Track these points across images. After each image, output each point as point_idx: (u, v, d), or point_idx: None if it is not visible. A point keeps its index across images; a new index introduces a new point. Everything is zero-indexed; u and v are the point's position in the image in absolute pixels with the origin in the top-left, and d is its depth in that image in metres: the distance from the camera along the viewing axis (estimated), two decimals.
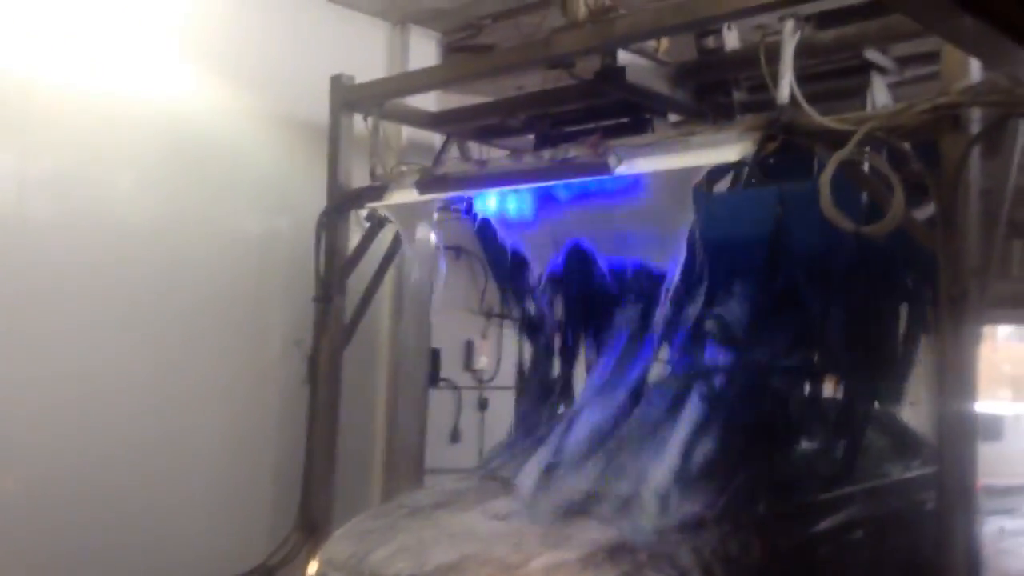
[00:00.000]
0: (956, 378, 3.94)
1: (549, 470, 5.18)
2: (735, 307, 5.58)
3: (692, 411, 5.13)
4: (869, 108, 4.94)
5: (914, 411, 6.23)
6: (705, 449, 4.98)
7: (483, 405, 8.81)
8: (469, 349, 11.12)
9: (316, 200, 6.74)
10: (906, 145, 4.16)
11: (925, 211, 4.36)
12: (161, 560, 6.00)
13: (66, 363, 5.76)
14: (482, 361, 10.91)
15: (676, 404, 5.27)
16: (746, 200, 6.38)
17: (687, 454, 4.92)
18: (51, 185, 5.82)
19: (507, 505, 4.92)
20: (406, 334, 7.47)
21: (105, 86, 5.98)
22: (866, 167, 4.21)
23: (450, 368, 9.89)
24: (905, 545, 5.51)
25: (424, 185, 5.68)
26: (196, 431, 6.35)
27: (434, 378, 8.15)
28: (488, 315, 9.08)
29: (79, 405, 5.80)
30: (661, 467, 4.84)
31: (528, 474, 5.18)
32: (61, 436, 5.72)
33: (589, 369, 6.08)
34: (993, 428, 13.91)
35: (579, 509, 4.74)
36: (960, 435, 3.97)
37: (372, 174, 6.45)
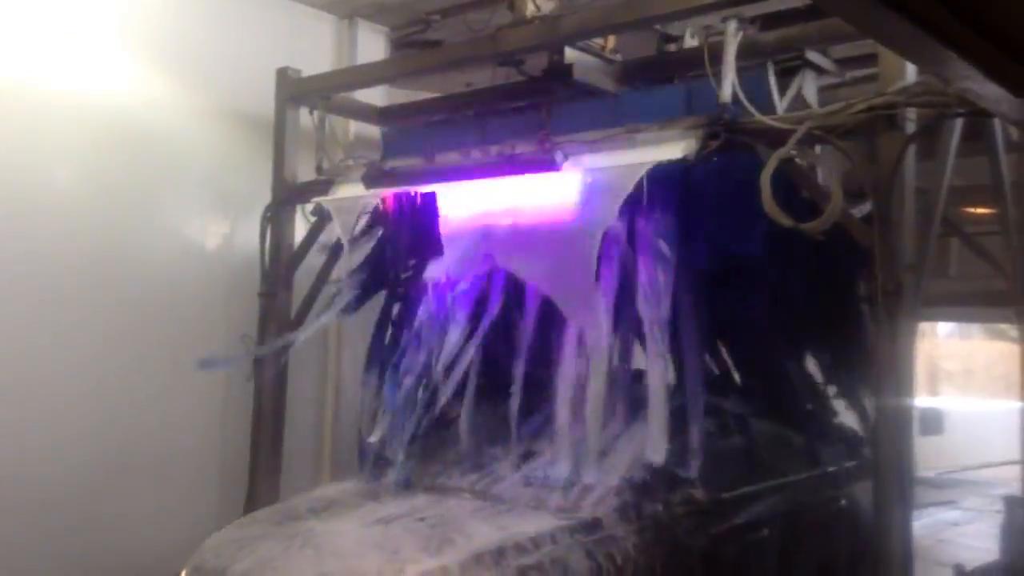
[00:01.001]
0: (891, 372, 4.03)
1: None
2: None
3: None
4: (786, 103, 4.97)
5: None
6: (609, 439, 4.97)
7: None
8: None
9: (261, 194, 6.68)
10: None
11: (862, 209, 4.46)
12: (105, 558, 5.91)
13: (1, 360, 5.64)
14: None
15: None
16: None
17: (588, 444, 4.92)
18: None
19: (395, 508, 4.73)
20: (355, 327, 7.40)
21: (42, 78, 5.85)
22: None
23: None
24: (818, 543, 5.57)
25: (371, 179, 5.66)
26: (138, 428, 6.24)
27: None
28: None
29: (15, 405, 5.68)
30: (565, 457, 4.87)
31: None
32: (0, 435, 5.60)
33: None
34: (934, 422, 14.25)
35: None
36: (895, 428, 4.06)
37: (318, 168, 6.40)
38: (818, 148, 4.52)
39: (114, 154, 6.21)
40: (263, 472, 6.43)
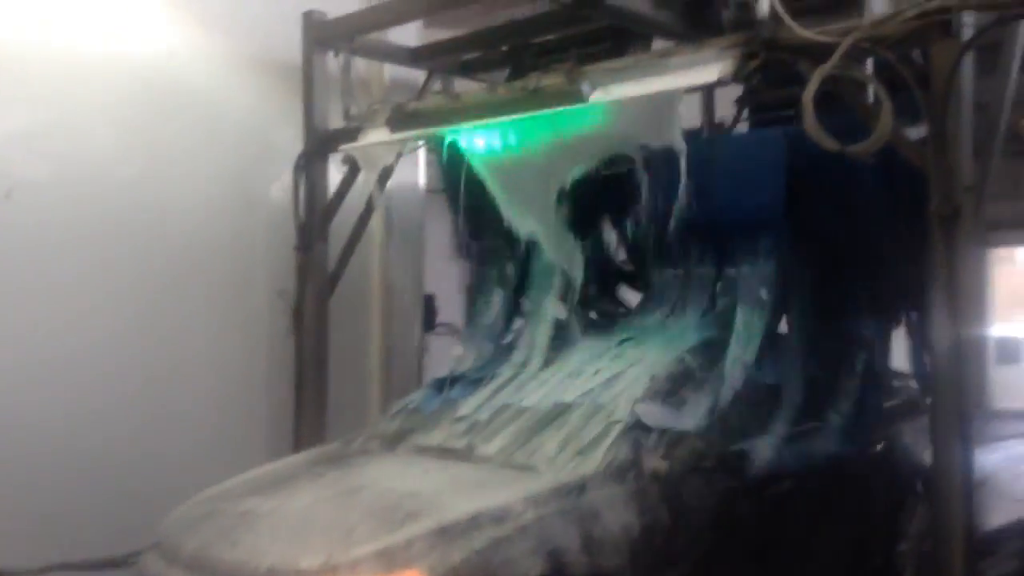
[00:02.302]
0: (949, 301, 3.70)
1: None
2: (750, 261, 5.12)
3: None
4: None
5: None
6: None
7: None
8: (469, 293, 10.96)
9: (295, 144, 6.50)
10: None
11: (919, 130, 4.09)
12: (150, 517, 5.90)
13: (48, 321, 5.65)
14: None
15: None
16: (749, 142, 5.90)
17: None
18: (24, 141, 5.66)
19: (368, 474, 4.31)
20: (397, 280, 7.28)
21: (70, 36, 5.79)
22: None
23: (450, 313, 9.75)
24: (853, 494, 5.09)
25: (395, 122, 5.44)
26: (181, 386, 6.24)
27: (430, 323, 7.98)
28: None
29: (62, 364, 5.68)
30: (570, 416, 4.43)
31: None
32: (46, 392, 5.61)
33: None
34: (1012, 351, 13.67)
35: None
36: (955, 360, 3.75)
37: (346, 114, 6.19)
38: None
39: (145, 108, 6.12)
40: (307, 428, 6.35)
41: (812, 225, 5.01)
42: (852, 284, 5.32)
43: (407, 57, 6.85)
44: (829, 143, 3.80)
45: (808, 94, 3.85)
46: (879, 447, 5.39)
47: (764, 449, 4.54)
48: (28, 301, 5.58)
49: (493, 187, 5.31)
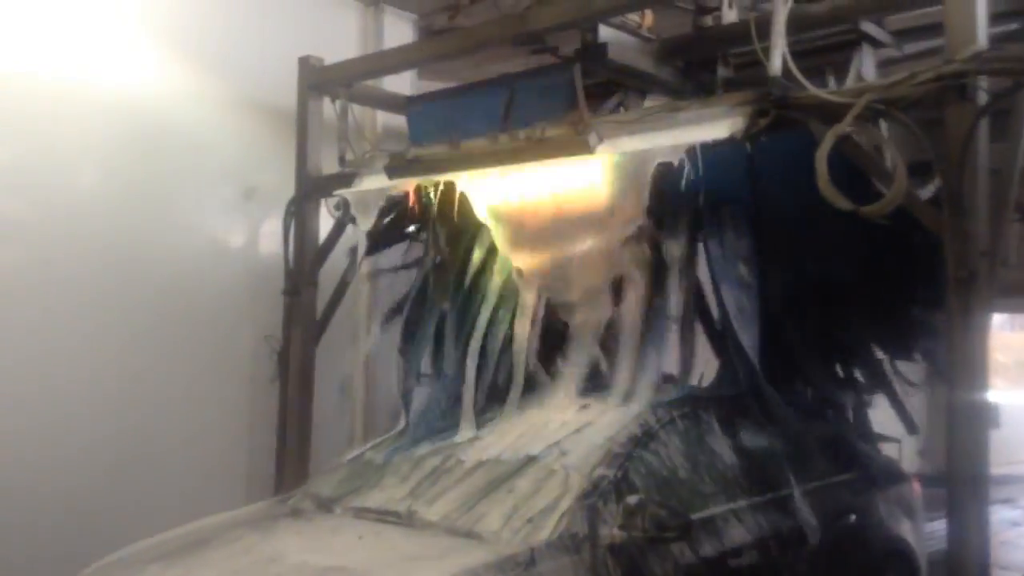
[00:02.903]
0: (965, 364, 3.66)
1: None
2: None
3: None
4: (851, 81, 4.69)
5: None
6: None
7: None
8: None
9: (286, 189, 6.42)
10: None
11: (928, 190, 4.08)
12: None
13: (24, 361, 5.48)
14: None
15: None
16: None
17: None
18: (4, 176, 5.52)
19: (289, 541, 3.95)
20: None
21: (57, 69, 5.68)
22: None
23: None
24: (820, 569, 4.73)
25: (394, 169, 5.37)
26: (163, 432, 6.06)
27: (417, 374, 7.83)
28: None
29: (38, 404, 5.53)
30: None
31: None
32: (20, 432, 5.44)
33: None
34: (992, 416, 13.74)
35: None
36: (970, 423, 3.71)
37: (341, 160, 6.12)
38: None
39: (133, 148, 6.02)
40: (289, 477, 6.16)
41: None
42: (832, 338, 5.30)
43: (403, 105, 6.80)
44: (843, 203, 3.78)
45: (822, 153, 3.83)
46: (851, 518, 5.07)
47: (729, 518, 4.31)
48: (8, 338, 5.41)
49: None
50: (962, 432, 3.70)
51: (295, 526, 4.19)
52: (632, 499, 3.81)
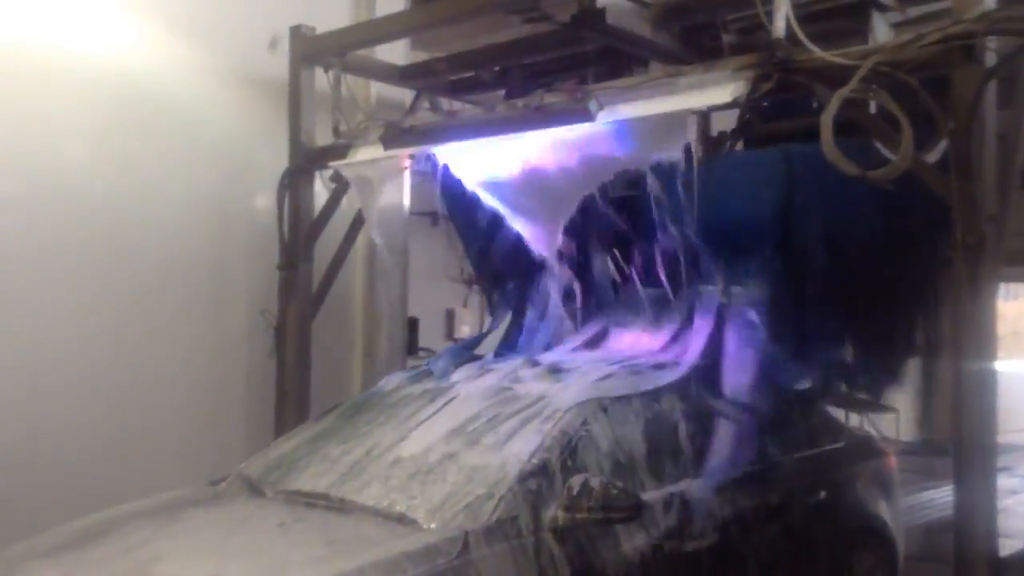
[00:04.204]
0: (974, 332, 3.61)
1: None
2: (749, 283, 4.94)
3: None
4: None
5: None
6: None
7: None
8: (450, 318, 10.81)
9: (279, 161, 6.32)
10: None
11: (935, 153, 4.01)
12: None
13: (16, 341, 5.42)
14: (464, 330, 10.60)
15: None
16: (749, 162, 5.78)
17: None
18: None
19: (204, 527, 3.72)
20: (380, 302, 7.09)
21: (45, 42, 5.57)
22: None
23: (430, 338, 9.57)
24: (789, 549, 4.56)
25: (389, 139, 5.28)
26: (158, 408, 6.00)
27: (412, 347, 7.80)
28: (469, 283, 8.72)
29: (31, 379, 5.46)
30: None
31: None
32: (13, 405, 5.38)
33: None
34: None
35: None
36: (980, 391, 3.66)
37: (335, 131, 6.02)
38: None
39: (124, 121, 5.93)
40: None
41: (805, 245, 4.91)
42: (824, 310, 5.10)
43: (396, 75, 6.70)
44: (849, 168, 3.70)
45: (826, 117, 3.75)
46: (821, 495, 4.84)
47: (687, 498, 4.09)
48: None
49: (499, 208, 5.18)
50: (970, 400, 3.65)
51: (209, 515, 3.89)
52: (577, 479, 3.60)
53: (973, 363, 3.62)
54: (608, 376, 4.46)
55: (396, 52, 7.05)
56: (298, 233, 6.22)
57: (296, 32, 6.26)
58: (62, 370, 5.58)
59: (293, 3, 6.60)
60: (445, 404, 4.39)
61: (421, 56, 7.29)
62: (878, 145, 3.91)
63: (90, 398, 5.69)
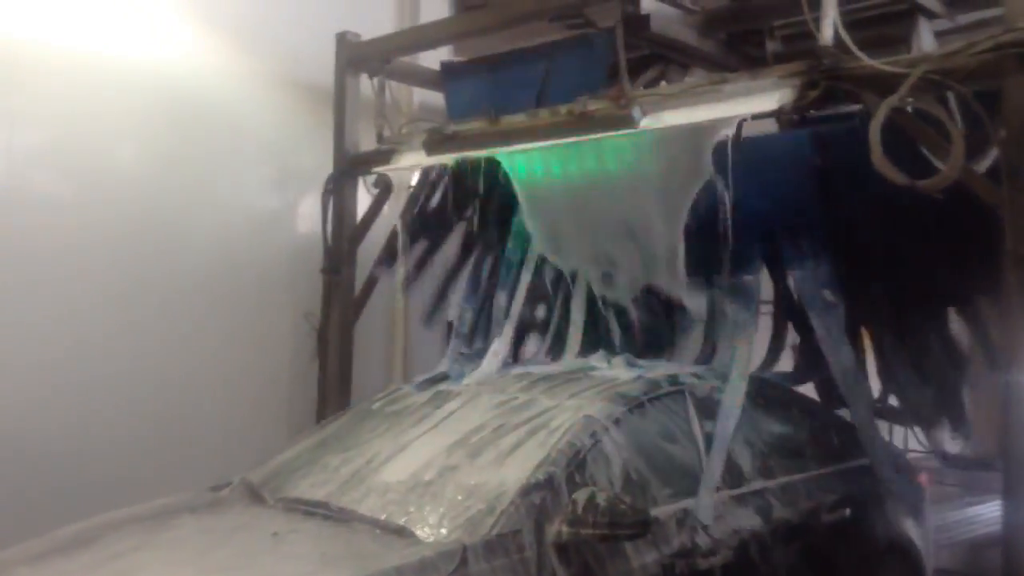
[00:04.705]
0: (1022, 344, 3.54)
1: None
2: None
3: None
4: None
5: None
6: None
7: None
8: None
9: (323, 166, 6.39)
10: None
11: (985, 162, 3.95)
12: None
13: (65, 345, 5.48)
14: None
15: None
16: (776, 144, 5.56)
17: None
18: (42, 156, 5.51)
19: (182, 546, 3.53)
20: (420, 306, 7.11)
21: (97, 47, 5.65)
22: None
23: None
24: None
25: (432, 145, 5.30)
26: (202, 411, 6.06)
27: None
28: None
29: (78, 387, 5.51)
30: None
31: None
32: (65, 412, 5.45)
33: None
34: None
35: None
36: None
37: (379, 136, 6.07)
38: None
39: (173, 127, 6.00)
40: None
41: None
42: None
43: (439, 81, 6.71)
44: (898, 177, 3.66)
45: (875, 125, 3.71)
46: (846, 512, 4.63)
47: (698, 513, 3.93)
48: (43, 328, 5.40)
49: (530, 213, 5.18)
50: (1019, 413, 3.58)
51: (202, 523, 3.76)
52: (582, 494, 3.44)
53: (1022, 375, 3.54)
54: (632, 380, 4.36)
55: (438, 57, 7.07)
56: (341, 237, 6.27)
57: (342, 39, 6.32)
58: (106, 369, 5.64)
59: (338, 10, 6.67)
60: (452, 413, 4.28)
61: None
62: (926, 153, 3.87)
63: (134, 398, 5.75)
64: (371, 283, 6.36)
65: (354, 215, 6.34)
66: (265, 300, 6.42)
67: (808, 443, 4.75)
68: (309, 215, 6.53)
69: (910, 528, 5.00)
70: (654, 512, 3.67)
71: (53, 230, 5.47)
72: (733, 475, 4.22)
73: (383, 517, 3.55)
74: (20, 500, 5.16)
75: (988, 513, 6.48)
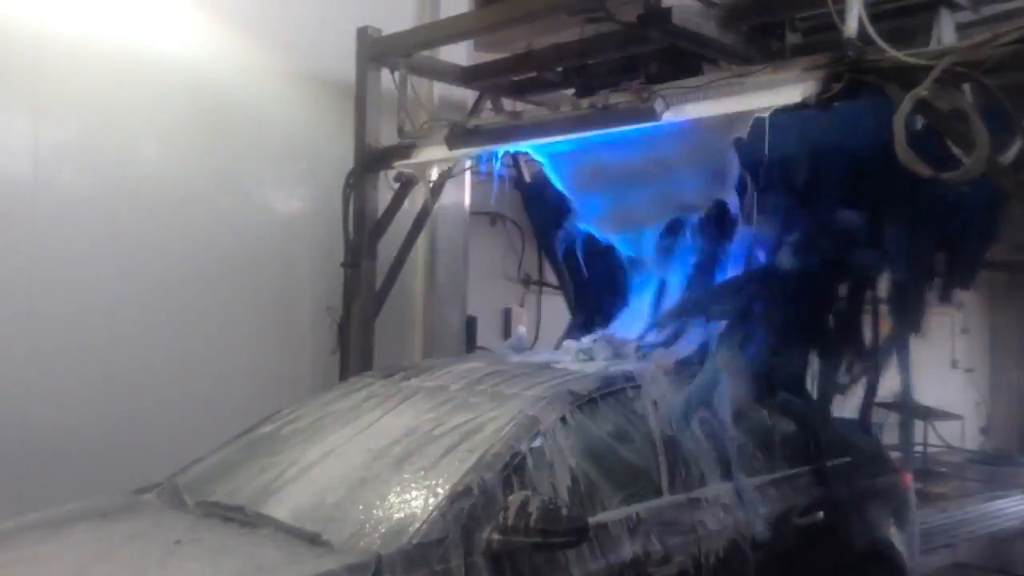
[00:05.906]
0: None
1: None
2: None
3: None
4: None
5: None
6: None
7: None
8: (507, 317, 10.82)
9: (344, 161, 6.43)
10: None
11: (1009, 155, 3.93)
12: None
13: (90, 336, 5.56)
14: (520, 330, 10.58)
15: None
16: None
17: None
18: (68, 150, 5.58)
19: (66, 559, 3.23)
20: (440, 301, 7.16)
21: (122, 41, 5.72)
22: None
23: (487, 337, 9.59)
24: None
25: (454, 139, 5.33)
26: (222, 399, 6.08)
27: (470, 347, 7.84)
28: (526, 283, 8.74)
29: (105, 379, 5.59)
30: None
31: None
32: (86, 411, 5.51)
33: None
34: None
35: None
36: None
37: (400, 131, 6.09)
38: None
39: (197, 121, 6.08)
40: None
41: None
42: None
43: (460, 76, 6.75)
44: (922, 169, 3.65)
45: (900, 117, 3.70)
46: (818, 516, 4.40)
47: (651, 518, 3.72)
48: (68, 321, 5.47)
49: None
50: None
51: (98, 531, 3.49)
52: (515, 498, 3.22)
53: None
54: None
55: (458, 53, 7.10)
56: (362, 232, 6.31)
57: (363, 33, 6.35)
58: (131, 363, 5.71)
59: (360, 5, 6.70)
60: (388, 412, 4.01)
61: (483, 56, 7.34)
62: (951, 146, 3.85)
63: (157, 389, 5.81)
64: (391, 278, 6.39)
65: (375, 209, 6.38)
66: (288, 294, 6.48)
67: (777, 442, 4.52)
68: (331, 209, 6.54)
69: (891, 532, 4.80)
70: (603, 518, 3.52)
71: (79, 225, 5.54)
72: (689, 477, 3.98)
73: (300, 524, 3.31)
74: (51, 491, 5.21)
75: (1011, 507, 6.49)
